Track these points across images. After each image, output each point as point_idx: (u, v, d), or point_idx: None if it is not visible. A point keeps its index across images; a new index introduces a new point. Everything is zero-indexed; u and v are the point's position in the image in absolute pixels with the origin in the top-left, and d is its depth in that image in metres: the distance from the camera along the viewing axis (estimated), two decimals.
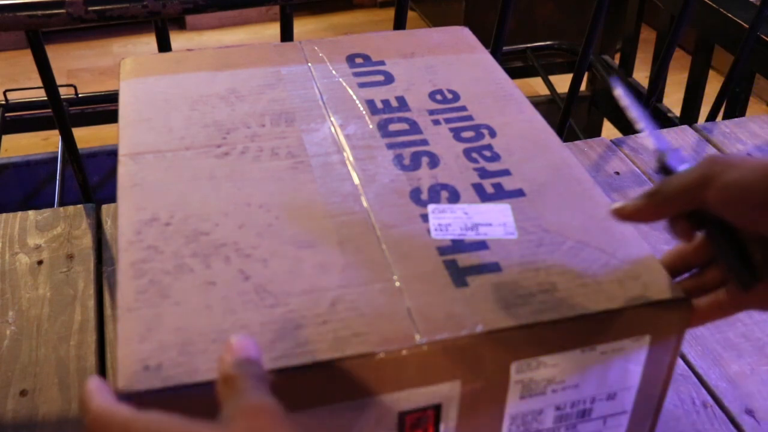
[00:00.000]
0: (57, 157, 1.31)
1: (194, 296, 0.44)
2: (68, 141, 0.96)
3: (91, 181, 1.04)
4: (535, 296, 0.45)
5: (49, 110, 0.93)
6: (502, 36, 1.01)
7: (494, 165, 0.55)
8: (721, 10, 1.24)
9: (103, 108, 1.52)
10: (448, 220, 0.50)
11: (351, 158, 0.55)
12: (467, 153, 0.56)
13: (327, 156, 0.55)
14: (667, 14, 1.43)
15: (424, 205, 0.51)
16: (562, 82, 1.41)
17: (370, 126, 0.59)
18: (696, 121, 1.39)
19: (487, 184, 0.53)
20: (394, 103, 0.62)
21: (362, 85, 0.64)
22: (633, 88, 1.59)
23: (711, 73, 1.40)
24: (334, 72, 0.66)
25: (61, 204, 1.22)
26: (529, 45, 1.75)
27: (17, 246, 0.81)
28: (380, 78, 0.65)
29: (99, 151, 1.47)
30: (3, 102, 1.47)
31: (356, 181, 0.53)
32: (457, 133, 0.58)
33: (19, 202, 1.46)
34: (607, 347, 0.45)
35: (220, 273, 0.46)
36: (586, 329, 0.45)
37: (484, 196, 0.52)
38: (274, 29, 2.66)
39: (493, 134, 0.59)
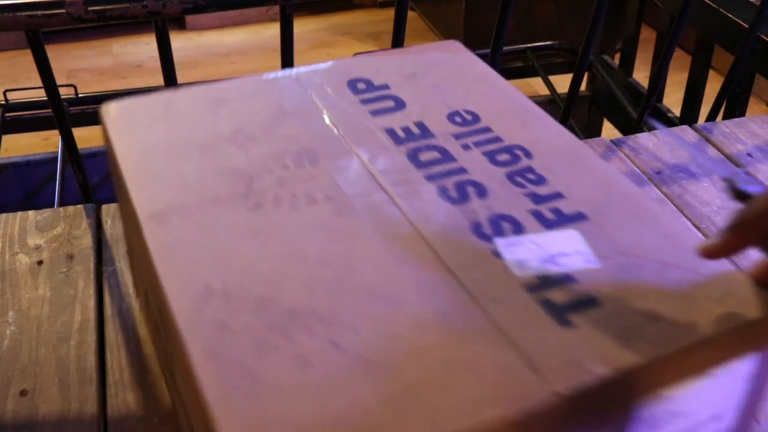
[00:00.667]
0: (57, 157, 1.31)
1: (291, 378, 0.40)
2: (68, 141, 0.96)
3: (91, 181, 1.04)
4: (644, 327, 0.43)
5: (49, 110, 0.93)
6: (502, 36, 1.01)
7: (543, 188, 0.53)
8: (721, 10, 1.24)
9: None
10: (523, 254, 0.48)
11: (394, 196, 0.52)
12: (510, 178, 0.54)
13: (368, 196, 0.52)
14: (667, 14, 1.43)
15: (490, 240, 0.49)
16: (562, 82, 1.41)
17: (400, 158, 0.56)
18: (696, 121, 1.39)
19: (545, 210, 0.51)
20: (416, 130, 0.59)
21: (375, 113, 0.61)
22: (633, 88, 1.59)
23: (711, 73, 1.40)
24: (339, 101, 0.62)
25: (61, 204, 1.22)
26: (529, 45, 1.75)
27: (17, 246, 0.81)
28: (390, 104, 0.62)
29: (99, 151, 1.47)
30: (3, 102, 1.47)
31: (411, 221, 0.50)
32: (491, 157, 0.56)
33: (19, 202, 1.46)
34: (719, 369, 0.44)
35: (309, 347, 0.41)
36: (701, 355, 0.43)
37: (546, 224, 0.50)
38: (274, 29, 2.66)
39: (528, 155, 0.56)
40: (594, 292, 0.45)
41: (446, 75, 0.66)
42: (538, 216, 0.51)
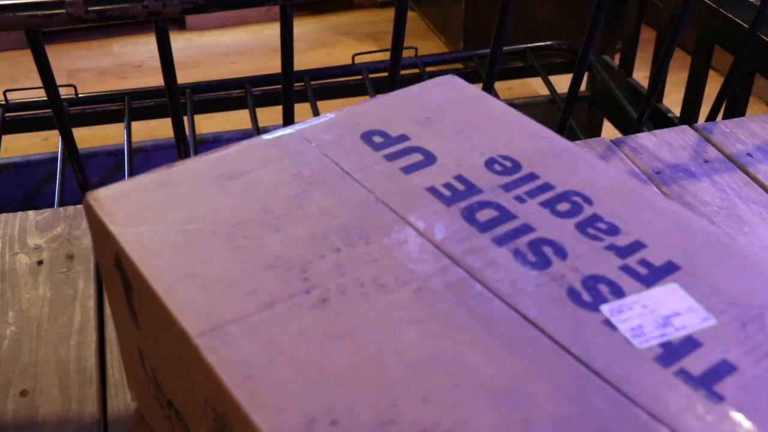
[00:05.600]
0: (57, 157, 1.31)
1: None
2: (68, 141, 0.96)
3: (91, 181, 1.04)
4: None
5: (49, 110, 0.93)
6: (502, 36, 1.01)
7: (620, 239, 0.50)
8: (721, 10, 1.24)
9: (103, 108, 1.52)
10: (635, 321, 0.44)
11: (471, 269, 0.47)
12: (582, 230, 0.51)
13: (442, 273, 0.47)
14: (667, 14, 1.43)
15: (595, 308, 0.45)
16: (562, 82, 1.41)
17: (457, 221, 0.51)
18: (696, 121, 1.39)
19: (634, 264, 0.48)
20: (460, 186, 0.54)
21: (406, 170, 0.55)
22: (633, 88, 1.59)
23: (711, 73, 1.40)
24: (362, 159, 0.56)
25: (61, 204, 1.22)
26: (529, 45, 1.75)
27: (17, 246, 0.81)
28: (419, 157, 0.57)
29: (99, 151, 1.47)
30: (3, 102, 1.47)
31: (502, 297, 0.46)
32: (552, 209, 0.52)
33: (19, 202, 1.46)
34: None
35: None
36: None
37: (641, 279, 0.47)
38: (274, 29, 2.67)
39: (587, 200, 0.53)
40: (726, 356, 0.42)
41: (462, 117, 0.62)
42: (629, 272, 0.48)
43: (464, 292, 0.45)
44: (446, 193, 0.54)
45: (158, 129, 1.50)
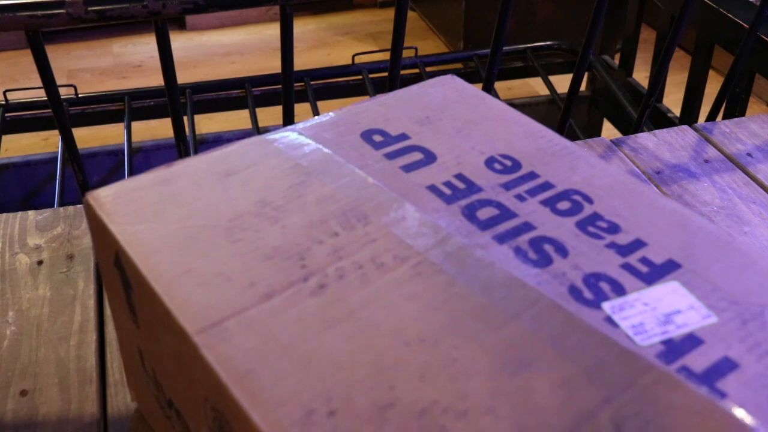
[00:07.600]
0: (57, 157, 1.31)
1: None
2: (68, 141, 0.96)
3: (91, 181, 1.04)
4: None
5: (49, 110, 0.93)
6: (502, 36, 1.01)
7: (621, 237, 0.50)
8: (721, 10, 1.24)
9: (103, 108, 1.53)
10: (636, 318, 0.45)
11: (472, 245, 0.47)
12: (582, 229, 0.51)
13: (442, 245, 0.47)
14: (667, 14, 1.43)
15: (596, 306, 0.45)
16: (562, 82, 1.41)
17: (457, 219, 0.51)
18: (696, 121, 1.39)
19: (634, 262, 0.48)
20: (460, 185, 0.54)
21: (406, 168, 0.55)
22: (633, 88, 1.59)
23: (711, 73, 1.40)
24: (361, 157, 0.56)
25: (61, 204, 1.22)
26: (529, 45, 1.75)
27: (17, 246, 0.81)
28: (419, 156, 0.57)
29: (99, 151, 1.47)
30: (3, 102, 1.47)
31: (504, 271, 0.45)
32: (552, 207, 0.53)
33: (19, 202, 1.46)
34: None
35: None
36: None
37: (642, 277, 0.47)
38: (274, 29, 2.67)
39: (587, 199, 0.54)
40: (728, 353, 0.42)
41: (462, 116, 0.62)
42: (630, 270, 0.48)
43: (464, 260, 0.45)
44: (446, 191, 0.54)
45: (158, 129, 1.50)
